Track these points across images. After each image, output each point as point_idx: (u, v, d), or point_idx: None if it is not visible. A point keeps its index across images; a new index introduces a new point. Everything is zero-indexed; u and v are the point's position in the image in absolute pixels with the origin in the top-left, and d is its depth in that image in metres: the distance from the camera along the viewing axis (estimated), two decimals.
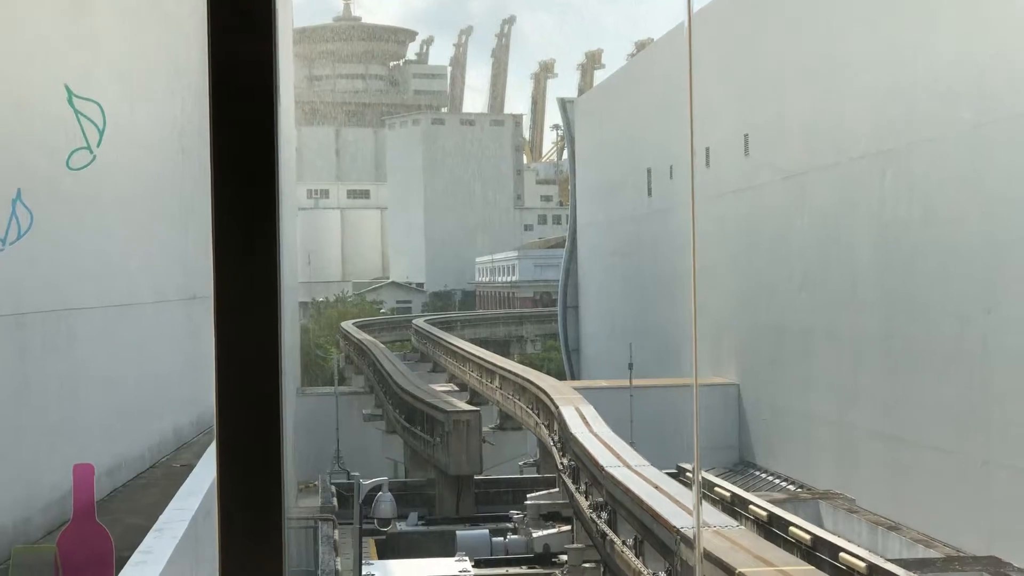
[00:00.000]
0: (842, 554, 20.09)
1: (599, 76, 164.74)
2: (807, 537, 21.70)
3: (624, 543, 22.94)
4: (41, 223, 12.81)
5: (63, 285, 14.16)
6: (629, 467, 24.53)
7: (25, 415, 12.94)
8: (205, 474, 12.37)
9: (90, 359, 14.91)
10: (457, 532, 36.42)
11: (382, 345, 64.40)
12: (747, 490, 30.45)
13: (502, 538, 35.25)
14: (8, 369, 12.81)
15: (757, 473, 42.73)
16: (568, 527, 31.60)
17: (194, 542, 9.99)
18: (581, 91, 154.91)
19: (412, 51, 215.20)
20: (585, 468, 27.11)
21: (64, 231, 14.04)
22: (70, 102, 13.54)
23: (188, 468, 14.05)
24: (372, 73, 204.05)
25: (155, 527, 10.05)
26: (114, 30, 16.15)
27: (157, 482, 15.53)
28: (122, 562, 8.84)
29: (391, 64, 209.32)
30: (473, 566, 33.12)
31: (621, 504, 23.18)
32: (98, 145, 13.76)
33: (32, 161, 13.20)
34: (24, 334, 13.08)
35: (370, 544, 35.95)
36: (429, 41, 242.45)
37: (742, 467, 43.96)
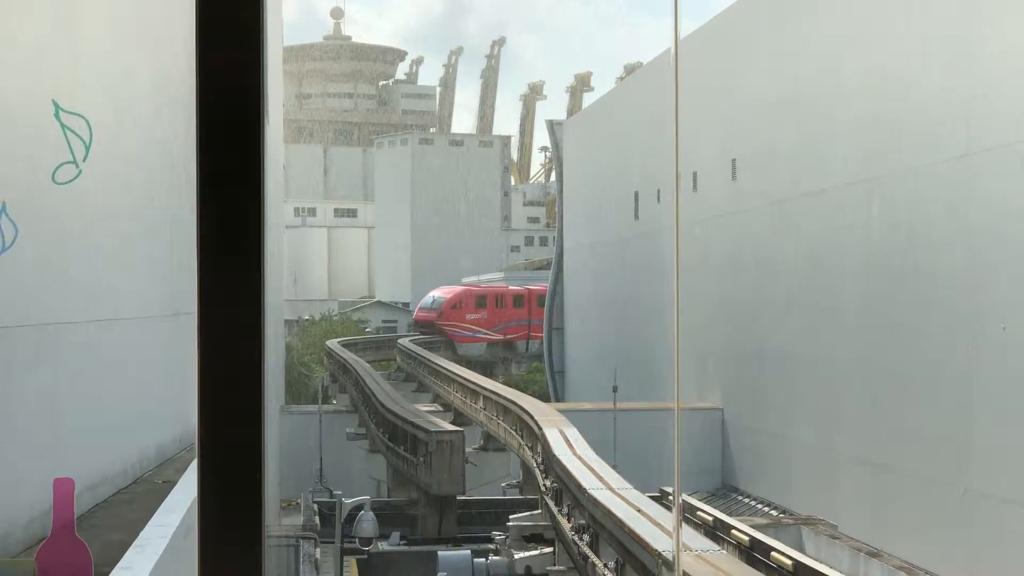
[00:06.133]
0: None
1: (588, 99, 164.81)
2: (788, 562, 21.67)
3: (606, 566, 22.90)
4: (26, 237, 12.78)
5: (47, 300, 14.11)
6: (612, 490, 24.51)
7: (7, 430, 12.88)
8: (187, 490, 12.33)
9: (74, 374, 14.85)
10: (439, 553, 36.30)
11: (367, 364, 64.29)
12: (729, 514, 30.42)
13: (484, 559, 35.13)
14: None
15: (739, 497, 42.70)
16: (550, 549, 31.53)
17: (174, 558, 9.96)
18: (570, 113, 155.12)
19: (401, 71, 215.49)
20: (568, 490, 27.08)
21: (49, 246, 14.00)
22: (57, 116, 13.51)
23: (170, 484, 13.99)
24: (361, 92, 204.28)
25: (136, 543, 10.01)
26: (101, 44, 16.14)
27: (139, 498, 15.47)
28: None
29: (380, 83, 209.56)
30: None
31: (603, 527, 23.15)
32: (84, 159, 13.74)
33: (17, 175, 13.16)
34: (7, 348, 13.03)
35: (351, 563, 35.85)
36: (419, 61, 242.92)
37: (725, 491, 43.93)
